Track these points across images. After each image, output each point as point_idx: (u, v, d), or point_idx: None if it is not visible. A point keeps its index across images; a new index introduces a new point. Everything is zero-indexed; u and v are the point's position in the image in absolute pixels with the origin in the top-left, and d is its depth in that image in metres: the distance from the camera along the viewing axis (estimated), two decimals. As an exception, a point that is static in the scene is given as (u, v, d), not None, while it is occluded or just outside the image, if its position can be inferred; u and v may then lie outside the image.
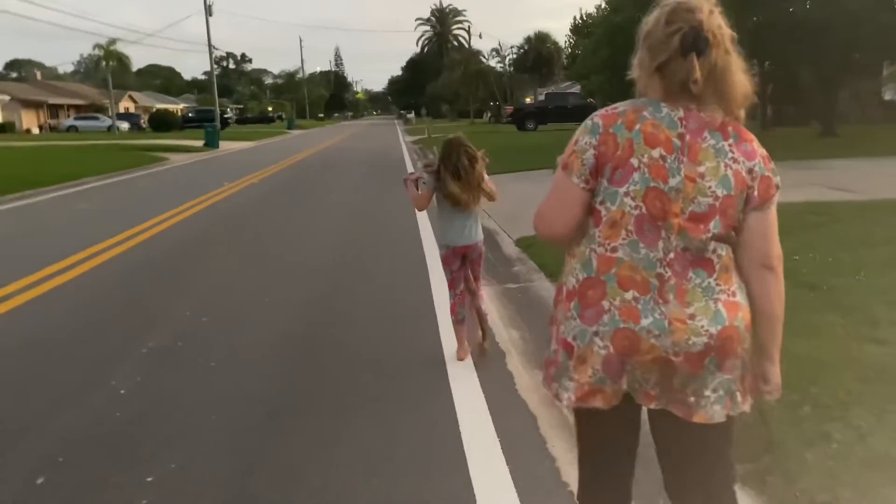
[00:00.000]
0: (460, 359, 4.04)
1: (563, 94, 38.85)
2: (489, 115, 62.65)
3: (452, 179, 3.84)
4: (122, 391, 3.81)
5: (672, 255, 1.60)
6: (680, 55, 1.58)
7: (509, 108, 43.41)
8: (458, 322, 4.10)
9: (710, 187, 1.58)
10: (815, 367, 3.25)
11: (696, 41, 1.57)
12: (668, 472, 1.79)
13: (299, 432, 3.26)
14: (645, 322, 1.59)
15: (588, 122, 1.70)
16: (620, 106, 1.68)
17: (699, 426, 1.64)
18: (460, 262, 4.09)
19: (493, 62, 62.98)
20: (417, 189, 4.01)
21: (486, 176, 3.94)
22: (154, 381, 3.96)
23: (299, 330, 4.87)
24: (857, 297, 4.35)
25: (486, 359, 4.11)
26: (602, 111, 1.71)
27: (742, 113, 1.64)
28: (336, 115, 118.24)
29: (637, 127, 1.61)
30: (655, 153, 1.59)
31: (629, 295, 1.61)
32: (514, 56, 58.25)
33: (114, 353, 4.46)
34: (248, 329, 4.88)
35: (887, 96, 25.94)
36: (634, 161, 1.60)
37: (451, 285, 4.14)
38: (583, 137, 1.67)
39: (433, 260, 6.15)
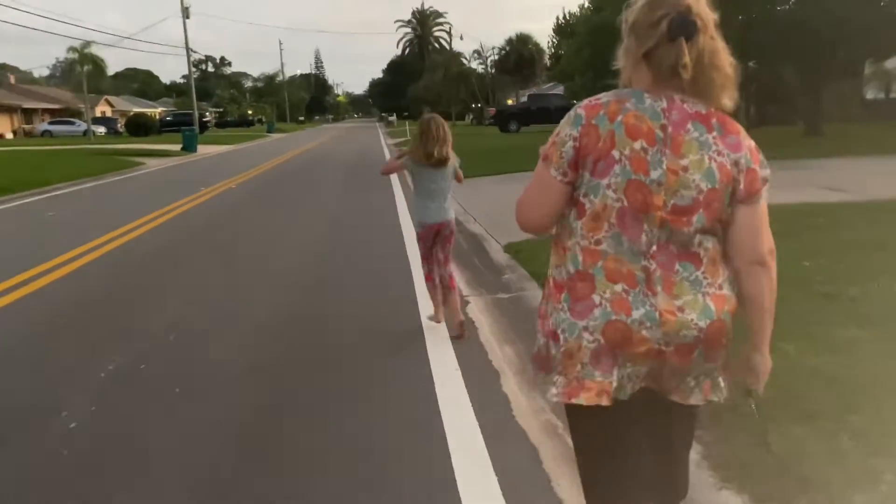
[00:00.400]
0: (437, 321, 4.59)
1: (545, 96, 38.85)
2: (471, 117, 62.42)
3: (433, 142, 4.33)
4: (73, 424, 3.40)
5: (655, 247, 1.58)
6: (667, 40, 1.56)
7: (492, 110, 43.31)
8: (433, 287, 4.59)
9: (693, 180, 1.56)
10: (849, 389, 2.92)
11: (684, 25, 1.55)
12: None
13: (274, 474, 2.88)
14: (636, 314, 1.57)
15: (572, 112, 1.66)
16: (604, 97, 1.64)
17: (672, 409, 1.69)
18: (433, 238, 4.55)
19: (474, 64, 62.79)
20: (398, 159, 4.58)
21: (454, 159, 4.46)
22: (110, 412, 3.55)
23: (273, 350, 4.47)
24: (880, 307, 4.03)
25: (466, 338, 4.41)
26: (586, 102, 1.67)
27: (728, 102, 1.61)
28: (317, 118, 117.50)
29: (619, 118, 1.59)
30: (637, 145, 1.57)
31: (619, 287, 1.59)
32: (496, 58, 58.01)
33: (70, 376, 4.04)
34: (217, 348, 4.48)
35: (868, 95, 25.99)
36: (616, 153, 1.58)
37: (425, 259, 4.63)
38: (564, 129, 1.65)
39: (420, 282, 5.72)
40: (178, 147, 29.04)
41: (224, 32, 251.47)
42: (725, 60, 1.60)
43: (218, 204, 12.10)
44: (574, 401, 1.64)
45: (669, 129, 1.58)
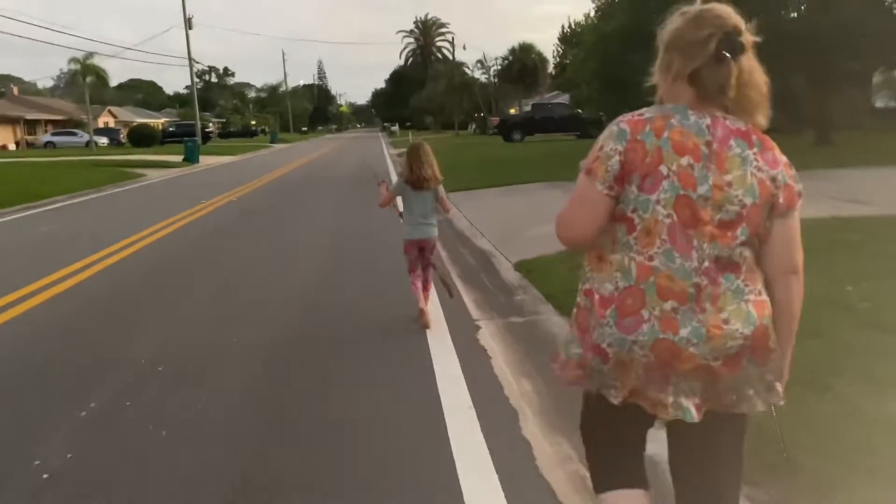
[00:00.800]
0: (420, 308, 5.01)
1: (549, 105, 38.69)
2: (474, 126, 62.18)
3: (419, 166, 4.93)
4: (46, 475, 3.04)
5: (707, 263, 1.61)
6: (714, 60, 1.59)
7: (495, 119, 43.09)
8: (416, 290, 5.13)
9: (737, 196, 1.59)
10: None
11: (733, 45, 1.59)
12: (684, 481, 1.81)
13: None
14: (683, 332, 1.60)
15: (614, 127, 1.67)
16: (647, 112, 1.67)
17: (720, 423, 1.68)
18: (417, 251, 5.14)
19: (477, 74, 62.52)
20: (386, 190, 5.18)
21: (442, 190, 5.09)
22: (89, 459, 3.20)
23: (272, 382, 4.13)
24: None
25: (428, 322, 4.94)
26: (628, 116, 1.68)
27: (763, 119, 1.67)
28: (320, 128, 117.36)
29: (665, 134, 1.61)
30: (684, 161, 1.60)
31: (668, 305, 1.61)
32: (499, 67, 57.76)
33: (47, 415, 3.70)
34: (210, 381, 4.13)
35: (878, 104, 25.65)
36: (664, 169, 1.60)
37: (411, 269, 5.19)
38: (608, 143, 1.65)
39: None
40: (179, 158, 28.82)
41: (227, 43, 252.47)
42: (761, 79, 1.65)
43: (217, 218, 11.78)
44: (632, 400, 1.68)
45: (714, 146, 1.60)
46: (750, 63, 1.63)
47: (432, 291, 5.36)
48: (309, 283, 6.64)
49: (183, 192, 17.14)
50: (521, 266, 6.69)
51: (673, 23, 1.67)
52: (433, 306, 5.34)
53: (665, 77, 1.69)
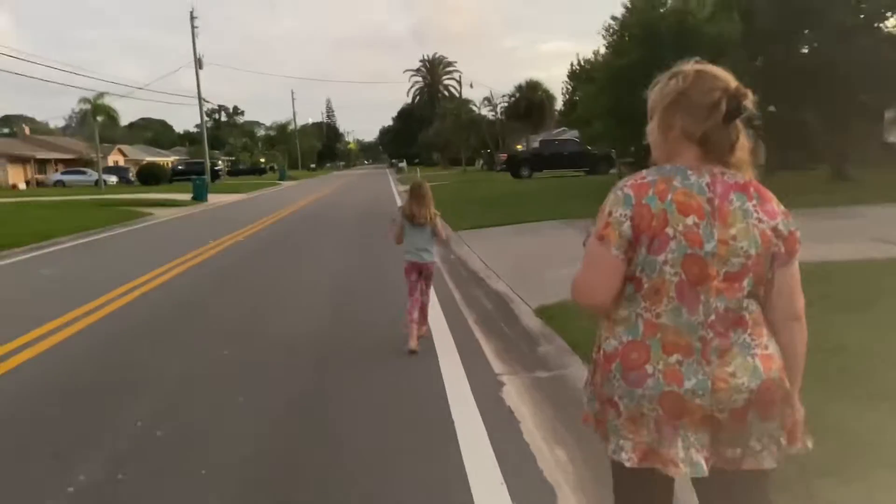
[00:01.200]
0: (411, 348, 5.31)
1: (558, 141, 38.61)
2: (482, 162, 62.27)
3: (415, 206, 5.54)
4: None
5: (713, 316, 1.65)
6: (721, 122, 1.66)
7: (503, 155, 43.08)
8: (412, 321, 5.48)
9: (741, 247, 1.64)
10: None
11: (740, 108, 1.66)
12: None
13: None
14: (688, 384, 1.64)
15: (619, 192, 1.71)
16: (648, 175, 1.71)
17: (742, 480, 1.69)
18: (417, 275, 5.63)
19: (484, 111, 62.75)
20: (395, 226, 5.67)
21: (439, 221, 5.68)
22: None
23: (280, 446, 3.75)
24: None
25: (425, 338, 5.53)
26: (630, 181, 1.72)
27: (751, 172, 1.72)
28: (328, 164, 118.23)
29: (669, 197, 1.66)
30: (689, 221, 1.64)
31: (673, 359, 1.65)
32: (506, 104, 57.95)
33: (28, 494, 3.32)
34: (214, 447, 3.76)
35: (891, 138, 25.38)
36: (670, 230, 1.65)
37: (410, 292, 5.61)
38: (616, 209, 1.70)
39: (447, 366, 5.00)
40: (188, 196, 28.73)
41: (237, 82, 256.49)
42: (745, 140, 1.72)
43: (224, 259, 11.49)
44: (645, 465, 1.68)
45: (716, 202, 1.66)
46: (739, 126, 1.70)
47: (449, 339, 5.50)
48: (318, 343, 6.11)
49: (190, 231, 16.96)
50: (542, 312, 6.32)
51: (669, 85, 1.72)
52: (452, 357, 5.11)
53: (665, 137, 1.74)
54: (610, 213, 1.70)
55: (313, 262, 10.95)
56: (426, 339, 5.66)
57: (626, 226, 1.67)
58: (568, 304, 6.21)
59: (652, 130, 1.77)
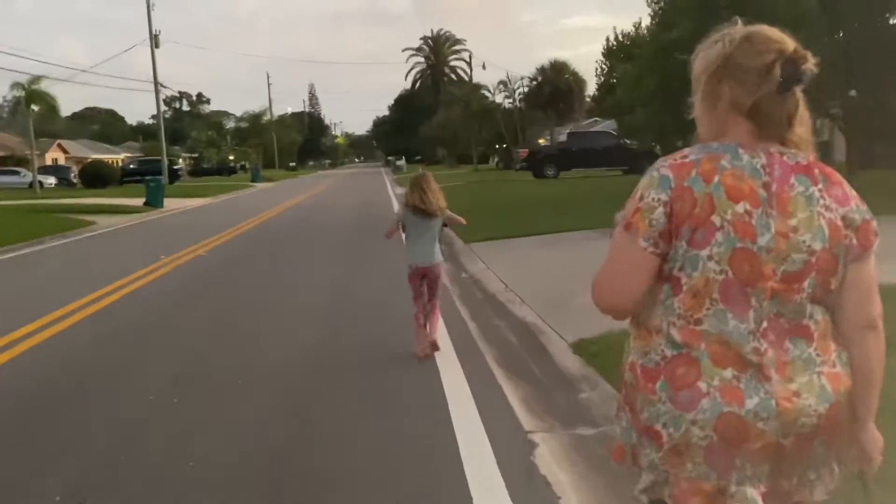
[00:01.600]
0: (419, 355, 5.98)
1: (590, 134, 38.78)
2: (496, 159, 62.26)
3: (420, 194, 5.99)
4: None
5: (765, 324, 1.65)
6: (777, 90, 1.65)
7: (523, 151, 43.28)
8: (419, 326, 6.10)
9: (804, 241, 1.64)
10: None
11: (800, 73, 1.65)
12: None
13: None
14: (750, 404, 1.62)
15: (654, 173, 1.72)
16: (691, 154, 1.72)
17: None
18: (421, 279, 6.11)
19: (499, 97, 62.76)
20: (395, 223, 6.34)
21: (448, 213, 6.22)
22: None
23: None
24: None
25: (436, 352, 6.02)
26: (669, 160, 1.74)
27: (813, 152, 1.73)
28: (311, 163, 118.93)
29: (716, 179, 1.65)
30: (739, 208, 1.64)
31: (728, 373, 1.65)
32: (526, 90, 57.91)
33: None
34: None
35: None
36: (716, 219, 1.64)
37: (415, 297, 6.15)
38: (649, 192, 1.69)
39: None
40: (140, 201, 28.78)
41: (203, 65, 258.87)
42: (807, 115, 1.74)
43: (179, 279, 11.27)
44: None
45: (773, 187, 1.65)
46: (798, 94, 1.70)
47: (462, 383, 5.30)
48: (292, 399, 5.80)
49: (139, 244, 16.94)
50: (581, 348, 6.01)
51: (714, 48, 1.73)
52: (468, 408, 4.83)
53: (711, 110, 1.74)
54: (641, 198, 1.70)
55: (284, 280, 10.71)
56: (433, 379, 5.45)
57: (660, 212, 1.66)
58: (612, 336, 5.89)
59: (696, 103, 1.78)
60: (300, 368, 6.11)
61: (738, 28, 1.73)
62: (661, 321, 1.71)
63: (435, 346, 6.07)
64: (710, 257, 1.64)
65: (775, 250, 1.63)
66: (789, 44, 1.67)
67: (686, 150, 1.73)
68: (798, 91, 1.68)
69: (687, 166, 1.68)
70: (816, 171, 1.68)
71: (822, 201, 1.66)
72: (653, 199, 1.68)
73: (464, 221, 6.48)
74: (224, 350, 6.81)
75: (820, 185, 1.67)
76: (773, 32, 1.70)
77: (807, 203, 1.65)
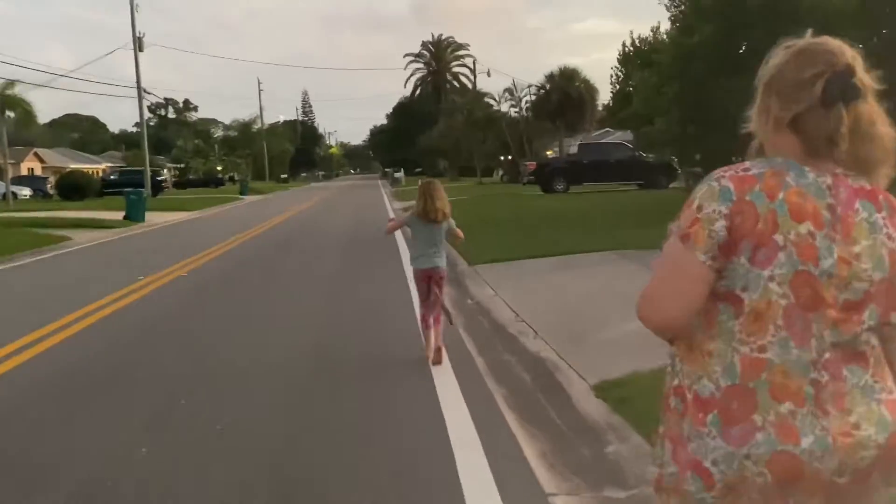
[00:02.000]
0: (428, 357, 6.67)
1: (602, 146, 38.89)
2: (501, 172, 62.22)
3: (428, 200, 6.68)
4: None
5: (828, 354, 1.66)
6: (821, 105, 1.66)
7: (531, 164, 43.18)
8: (426, 328, 6.79)
9: (865, 270, 1.65)
10: None
11: (844, 88, 1.66)
12: None
13: None
14: (805, 442, 1.62)
15: (713, 184, 1.73)
16: (754, 167, 1.73)
17: None
18: (426, 282, 6.81)
19: (504, 106, 62.75)
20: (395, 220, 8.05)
21: (453, 222, 6.92)
22: None
23: None
24: None
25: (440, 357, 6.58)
26: (729, 171, 1.75)
27: (885, 180, 1.73)
28: (304, 174, 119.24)
29: (780, 195, 1.67)
30: (803, 229, 1.65)
31: (784, 408, 1.64)
32: (533, 98, 57.88)
33: None
34: None
35: None
36: (779, 238, 1.65)
37: (422, 298, 6.95)
38: (709, 204, 1.71)
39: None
40: (120, 215, 28.72)
41: (190, 70, 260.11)
42: (885, 131, 1.70)
43: (157, 303, 11.03)
44: None
45: (838, 210, 1.67)
46: (871, 111, 1.68)
47: (470, 431, 5.14)
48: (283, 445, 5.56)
49: (116, 263, 16.83)
50: (605, 391, 5.69)
51: (775, 58, 1.76)
52: (478, 464, 4.53)
53: (763, 124, 1.77)
54: (700, 208, 1.70)
55: (271, 303, 10.48)
56: (437, 424, 5.21)
57: (720, 225, 1.67)
58: (642, 376, 5.60)
59: (753, 116, 1.81)
60: (272, 425, 5.79)
61: (804, 39, 1.75)
62: (721, 345, 1.71)
63: (438, 354, 6.64)
64: (771, 278, 1.65)
65: (837, 276, 1.63)
66: (844, 57, 1.67)
67: (747, 163, 1.74)
68: (858, 105, 1.66)
69: (749, 180, 1.69)
70: (881, 197, 1.69)
71: (885, 230, 1.67)
72: (713, 211, 1.68)
73: (462, 236, 7.12)
74: (198, 393, 6.49)
75: (884, 213, 1.68)
76: (835, 45, 1.70)
77: (870, 230, 1.66)
